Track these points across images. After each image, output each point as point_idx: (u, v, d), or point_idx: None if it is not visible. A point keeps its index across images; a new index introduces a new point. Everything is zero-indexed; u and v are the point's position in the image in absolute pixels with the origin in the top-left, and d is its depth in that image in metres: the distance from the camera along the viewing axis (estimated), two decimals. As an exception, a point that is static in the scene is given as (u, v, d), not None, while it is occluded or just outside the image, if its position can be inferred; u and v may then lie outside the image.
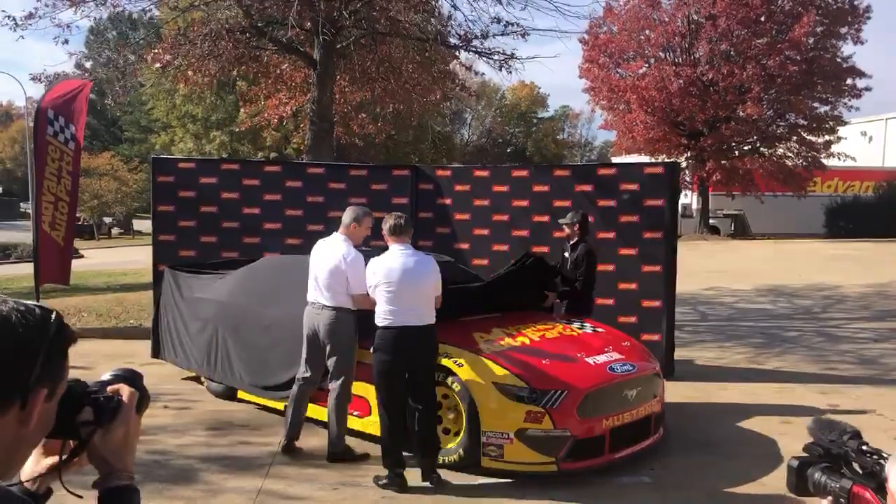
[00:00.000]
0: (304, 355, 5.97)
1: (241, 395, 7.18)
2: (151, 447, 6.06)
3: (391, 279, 5.29)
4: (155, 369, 8.29)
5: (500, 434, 5.33)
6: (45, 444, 1.31)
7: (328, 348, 5.80)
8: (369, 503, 4.99)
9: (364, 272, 5.53)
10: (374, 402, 5.97)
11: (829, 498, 1.62)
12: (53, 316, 1.22)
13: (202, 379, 7.65)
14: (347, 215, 5.93)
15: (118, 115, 49.97)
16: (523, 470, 5.34)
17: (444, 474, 5.45)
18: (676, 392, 7.53)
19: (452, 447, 5.58)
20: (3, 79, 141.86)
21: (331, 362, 5.82)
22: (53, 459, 1.33)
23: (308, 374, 5.97)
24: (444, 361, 5.60)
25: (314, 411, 6.46)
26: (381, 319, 5.32)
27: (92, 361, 8.20)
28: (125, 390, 1.36)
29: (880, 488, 1.55)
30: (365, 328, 5.62)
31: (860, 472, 1.60)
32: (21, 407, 1.16)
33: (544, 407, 5.29)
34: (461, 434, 5.55)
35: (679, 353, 8.93)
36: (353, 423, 6.16)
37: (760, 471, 5.52)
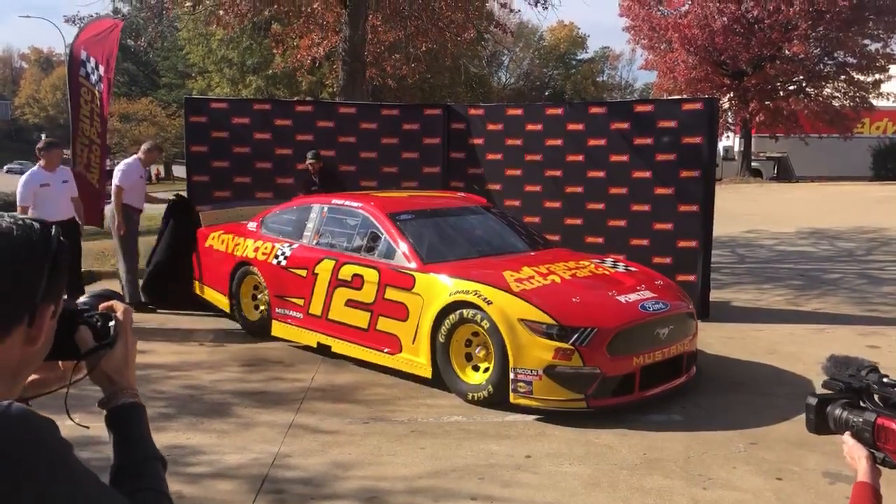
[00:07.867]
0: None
1: (274, 332, 7.26)
2: (187, 382, 6.18)
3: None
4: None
5: (528, 371, 5.32)
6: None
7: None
8: (398, 437, 5.03)
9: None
10: (405, 341, 6.04)
11: (850, 433, 1.57)
12: (53, 230, 1.18)
13: (236, 316, 7.75)
14: (144, 146, 9.20)
15: (156, 60, 50.05)
16: (552, 407, 5.33)
17: (473, 410, 5.49)
18: (711, 333, 7.44)
19: (482, 383, 5.59)
20: (43, 25, 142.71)
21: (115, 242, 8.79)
22: (33, 378, 1.28)
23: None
24: (474, 299, 5.59)
25: (346, 349, 6.55)
26: None
27: (130, 300, 8.39)
28: (118, 307, 1.32)
29: None
30: None
31: (881, 404, 1.55)
32: (28, 324, 1.13)
33: (573, 344, 5.25)
34: (490, 371, 5.56)
35: (716, 295, 8.80)
36: (384, 359, 6.22)
37: (794, 410, 5.41)
